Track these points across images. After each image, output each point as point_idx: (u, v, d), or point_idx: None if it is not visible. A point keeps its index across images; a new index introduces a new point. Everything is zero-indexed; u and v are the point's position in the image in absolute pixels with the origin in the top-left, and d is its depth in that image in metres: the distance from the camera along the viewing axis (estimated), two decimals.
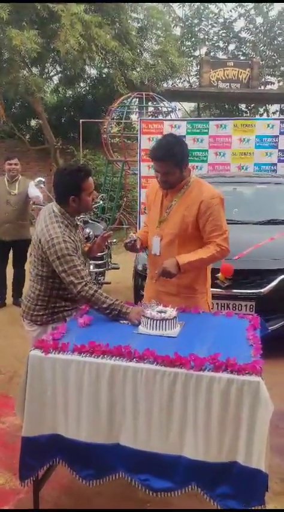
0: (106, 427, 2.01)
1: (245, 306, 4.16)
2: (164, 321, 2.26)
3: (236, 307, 4.17)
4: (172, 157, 2.57)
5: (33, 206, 5.56)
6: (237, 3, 16.95)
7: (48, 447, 2.08)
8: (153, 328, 2.26)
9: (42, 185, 5.46)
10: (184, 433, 1.94)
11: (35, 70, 11.97)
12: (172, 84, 15.82)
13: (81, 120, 11.24)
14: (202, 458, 1.92)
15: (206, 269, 2.83)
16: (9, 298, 5.81)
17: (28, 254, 3.32)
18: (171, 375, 1.93)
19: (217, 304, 4.19)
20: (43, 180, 5.58)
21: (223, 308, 4.16)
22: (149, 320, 2.28)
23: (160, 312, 2.32)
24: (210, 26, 18.16)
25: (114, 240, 6.04)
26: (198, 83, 16.62)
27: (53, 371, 2.05)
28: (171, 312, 2.32)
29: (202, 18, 17.87)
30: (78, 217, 5.70)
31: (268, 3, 16.82)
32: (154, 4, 13.58)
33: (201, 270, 2.78)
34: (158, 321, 2.26)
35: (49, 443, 2.07)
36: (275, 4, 16.71)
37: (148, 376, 1.95)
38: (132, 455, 1.98)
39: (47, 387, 2.07)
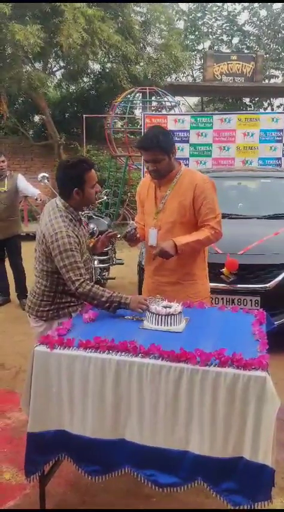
0: (112, 422, 2.00)
1: (250, 300, 4.14)
2: (169, 316, 2.25)
3: (242, 302, 4.15)
4: (158, 144, 2.65)
5: (38, 202, 5.55)
6: None
7: (53, 443, 2.07)
8: (158, 323, 2.25)
9: (46, 181, 5.44)
10: (189, 428, 1.93)
11: (37, 65, 11.94)
12: (176, 78, 15.74)
13: (84, 116, 11.21)
14: (207, 453, 1.91)
15: (203, 254, 2.88)
16: (12, 295, 5.81)
17: (28, 250, 3.29)
18: (177, 370, 1.92)
19: (222, 299, 4.18)
20: (47, 175, 5.56)
21: (228, 303, 4.15)
22: (154, 315, 2.27)
23: (166, 307, 2.31)
24: (213, 20, 18.10)
25: (119, 236, 6.02)
26: (201, 77, 16.54)
27: (58, 367, 2.05)
28: (176, 307, 2.31)
29: (206, 12, 17.77)
30: (82, 213, 5.70)
31: None
32: None
33: (198, 254, 2.83)
34: (163, 316, 2.25)
35: (54, 439, 2.07)
36: None
37: (154, 372, 1.94)
38: (137, 450, 1.97)
39: (52, 383, 2.06)
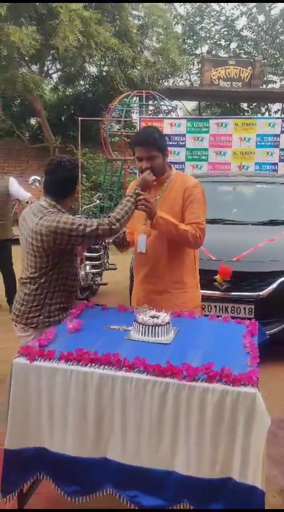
0: (94, 440, 1.90)
1: (244, 309, 4.04)
2: (156, 327, 2.15)
3: (235, 310, 4.06)
4: (154, 141, 2.58)
5: (29, 205, 5.46)
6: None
7: (32, 461, 1.97)
8: (144, 334, 2.15)
9: (37, 184, 5.36)
10: (175, 447, 1.83)
11: (34, 67, 11.87)
12: (173, 82, 15.71)
13: (80, 118, 11.14)
14: (194, 474, 1.81)
15: (194, 262, 2.75)
16: (2, 300, 5.70)
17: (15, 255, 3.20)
18: (162, 385, 1.82)
19: (216, 306, 4.09)
20: (38, 178, 5.48)
21: (221, 311, 4.05)
22: (141, 326, 2.17)
23: (153, 317, 2.21)
24: (211, 24, 18.06)
25: (111, 241, 5.93)
26: (199, 82, 16.51)
27: (38, 380, 1.95)
28: (164, 317, 2.21)
29: (204, 16, 17.75)
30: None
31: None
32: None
33: (187, 261, 2.70)
34: (150, 327, 2.15)
35: (33, 457, 1.97)
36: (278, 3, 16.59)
37: (138, 386, 1.84)
38: (120, 470, 1.87)
39: (32, 397, 1.96)
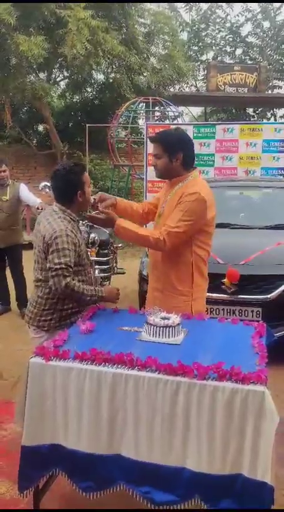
0: (107, 437, 1.96)
1: (252, 312, 4.09)
2: (167, 328, 2.22)
3: (243, 313, 4.10)
4: (162, 140, 2.66)
5: (39, 211, 5.55)
6: (244, 8, 17.01)
7: (47, 457, 2.04)
8: (155, 335, 2.22)
9: (47, 190, 5.44)
10: (187, 444, 1.89)
11: (42, 75, 12.02)
12: (179, 88, 15.81)
13: (87, 125, 11.25)
14: (205, 470, 1.86)
15: (191, 271, 2.65)
16: (13, 304, 5.78)
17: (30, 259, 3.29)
18: (174, 384, 1.88)
19: (223, 310, 4.14)
20: (48, 184, 5.55)
21: (229, 314, 4.10)
22: (152, 327, 2.23)
23: (164, 318, 2.28)
24: (217, 31, 18.17)
25: (120, 245, 6.01)
26: (205, 88, 16.61)
27: (54, 379, 2.02)
28: (175, 318, 2.28)
29: (209, 23, 17.87)
30: (83, 222, 5.68)
31: (275, 8, 16.84)
32: (161, 9, 13.62)
33: (182, 268, 2.65)
34: (161, 328, 2.22)
35: (49, 453, 2.03)
36: (283, 8, 16.70)
37: (151, 385, 1.90)
38: (133, 466, 1.93)
39: (47, 395, 2.03)
